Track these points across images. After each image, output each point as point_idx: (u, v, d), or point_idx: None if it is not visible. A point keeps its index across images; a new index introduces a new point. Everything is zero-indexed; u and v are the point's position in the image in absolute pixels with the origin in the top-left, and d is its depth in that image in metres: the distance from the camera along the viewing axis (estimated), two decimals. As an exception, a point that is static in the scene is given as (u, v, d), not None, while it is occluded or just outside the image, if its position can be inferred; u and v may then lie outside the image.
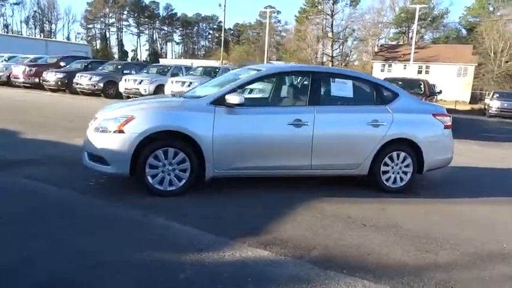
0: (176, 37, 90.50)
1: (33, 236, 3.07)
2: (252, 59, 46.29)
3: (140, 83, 15.52)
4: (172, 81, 14.87)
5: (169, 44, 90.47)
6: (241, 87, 4.38)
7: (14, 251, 2.82)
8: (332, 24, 48.78)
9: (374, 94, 4.87)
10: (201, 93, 4.75)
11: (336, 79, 4.78)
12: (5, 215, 3.42)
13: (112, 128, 4.07)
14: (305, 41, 49.86)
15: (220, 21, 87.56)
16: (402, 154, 4.82)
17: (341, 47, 54.66)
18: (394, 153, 4.79)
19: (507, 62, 44.24)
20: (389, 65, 49.66)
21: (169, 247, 3.05)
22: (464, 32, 58.08)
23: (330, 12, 48.92)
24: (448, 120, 5.07)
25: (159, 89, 15.61)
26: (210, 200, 4.19)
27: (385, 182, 4.82)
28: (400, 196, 4.74)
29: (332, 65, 49.70)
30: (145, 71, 17.27)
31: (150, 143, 4.04)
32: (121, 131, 4.02)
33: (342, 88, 4.74)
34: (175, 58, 74.26)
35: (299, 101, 4.60)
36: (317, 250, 3.14)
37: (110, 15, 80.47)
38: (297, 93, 4.62)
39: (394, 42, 55.75)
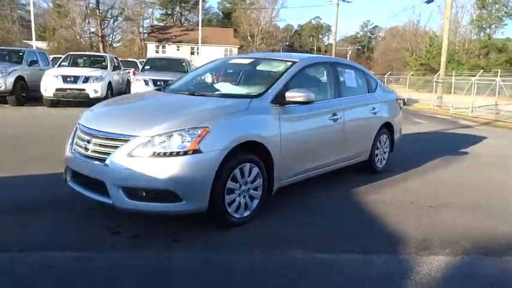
0: None
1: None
2: (13, 36, 37.56)
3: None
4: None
5: None
6: (290, 82, 3.78)
7: None
8: (98, 1, 44.64)
9: (366, 83, 5.08)
10: (228, 90, 3.87)
11: (346, 70, 4.74)
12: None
13: (179, 148, 2.84)
14: (68, 18, 44.08)
15: None
16: (385, 136, 5.28)
17: (106, 27, 51.09)
18: (381, 137, 5.20)
19: (260, 44, 52.02)
20: (163, 46, 50.17)
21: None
22: (222, 16, 64.20)
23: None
24: (401, 103, 5.83)
25: (18, 84, 10.90)
26: (272, 218, 3.51)
27: (377, 163, 5.20)
28: (388, 176, 5.18)
29: (103, 45, 46.10)
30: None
31: (228, 161, 3.05)
32: (196, 151, 2.86)
33: (350, 78, 4.73)
34: None
35: (329, 93, 4.33)
36: (465, 242, 3.20)
37: None
38: (326, 86, 4.32)
39: (162, 24, 56.23)
